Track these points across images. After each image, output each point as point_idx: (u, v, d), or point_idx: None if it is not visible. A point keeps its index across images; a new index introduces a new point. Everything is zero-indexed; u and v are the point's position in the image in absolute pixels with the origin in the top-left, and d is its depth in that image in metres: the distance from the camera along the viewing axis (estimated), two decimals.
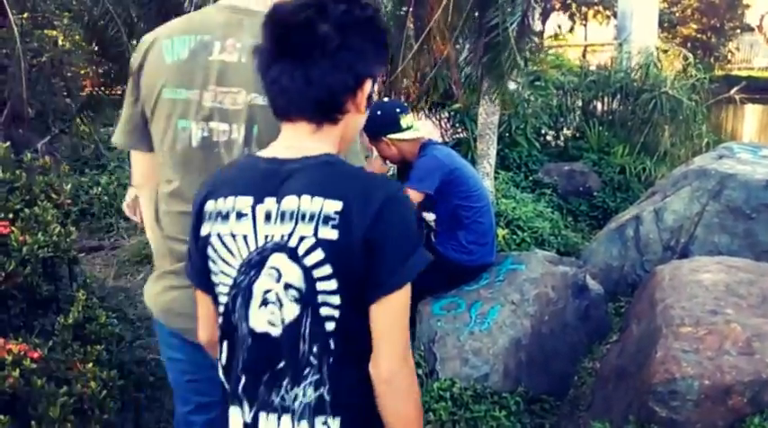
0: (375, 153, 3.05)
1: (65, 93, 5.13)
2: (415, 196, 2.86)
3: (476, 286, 2.99)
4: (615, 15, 11.97)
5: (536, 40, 5.59)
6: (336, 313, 1.13)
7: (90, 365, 2.04)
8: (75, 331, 2.23)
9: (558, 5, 14.27)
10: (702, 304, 2.33)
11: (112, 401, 2.00)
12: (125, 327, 2.53)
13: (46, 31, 4.96)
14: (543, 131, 6.12)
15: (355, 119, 1.23)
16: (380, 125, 2.90)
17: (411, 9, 4.60)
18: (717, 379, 2.06)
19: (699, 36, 20.00)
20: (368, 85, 1.19)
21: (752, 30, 23.40)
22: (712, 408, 2.06)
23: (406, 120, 2.94)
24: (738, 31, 21.49)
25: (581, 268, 3.13)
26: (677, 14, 20.24)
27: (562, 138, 6.33)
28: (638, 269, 3.52)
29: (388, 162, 3.13)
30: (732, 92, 7.50)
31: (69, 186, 2.99)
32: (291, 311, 1.14)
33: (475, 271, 3.03)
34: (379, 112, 2.91)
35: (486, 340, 2.73)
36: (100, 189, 5.68)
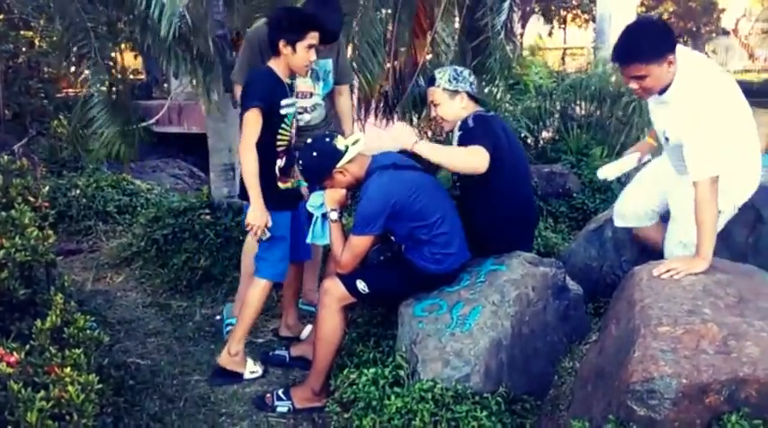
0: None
1: (42, 95, 5.08)
2: (363, 241, 2.87)
3: (457, 287, 2.99)
4: (594, 19, 12.08)
5: (517, 43, 5.62)
6: None
7: (68, 369, 2.01)
8: (52, 335, 2.20)
9: (537, 9, 14.36)
10: (680, 304, 2.35)
11: (91, 406, 1.98)
12: (104, 331, 2.51)
13: (22, 33, 4.91)
14: (523, 134, 6.15)
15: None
16: (324, 162, 2.89)
17: (396, 11, 4.60)
18: (694, 378, 2.08)
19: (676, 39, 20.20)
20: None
21: (727, 33, 23.70)
22: (690, 407, 2.08)
23: (341, 142, 2.93)
24: (714, 34, 21.76)
25: (561, 269, 3.15)
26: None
27: (541, 141, 6.37)
28: (616, 269, 3.55)
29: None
30: None
31: (47, 188, 2.97)
32: None
33: (449, 276, 3.03)
34: (314, 154, 2.91)
35: (468, 341, 2.74)
36: (78, 191, 5.63)
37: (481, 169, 2.91)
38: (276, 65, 3.17)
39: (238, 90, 3.50)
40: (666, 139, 2.77)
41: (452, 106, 3.14)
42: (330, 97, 3.77)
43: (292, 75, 3.27)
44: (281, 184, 3.24)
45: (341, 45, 3.70)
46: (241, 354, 3.29)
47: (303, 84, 3.54)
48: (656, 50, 2.53)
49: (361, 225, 2.85)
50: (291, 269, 3.57)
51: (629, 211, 3.25)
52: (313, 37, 3.10)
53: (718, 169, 2.53)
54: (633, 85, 2.64)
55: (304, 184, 3.36)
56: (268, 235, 3.12)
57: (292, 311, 3.70)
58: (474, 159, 2.91)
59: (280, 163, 3.22)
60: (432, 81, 3.20)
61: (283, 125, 3.18)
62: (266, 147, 3.11)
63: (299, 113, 3.57)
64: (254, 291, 3.24)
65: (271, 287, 3.31)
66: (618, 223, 3.35)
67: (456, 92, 3.11)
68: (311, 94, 3.64)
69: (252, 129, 3.04)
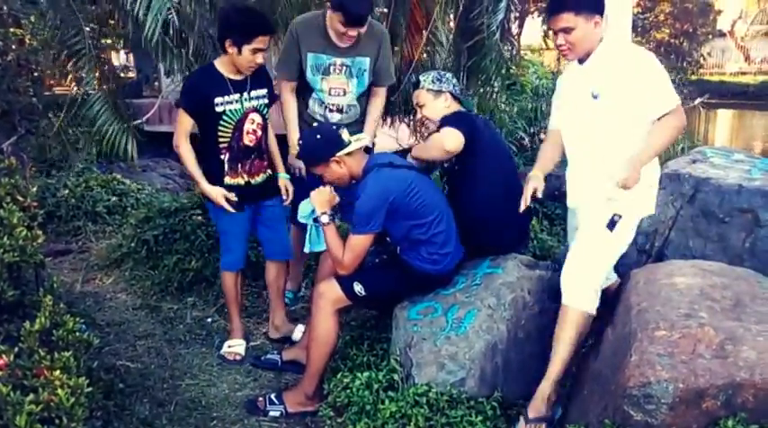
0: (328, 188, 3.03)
1: (31, 93, 5.03)
2: (364, 240, 2.84)
3: (452, 290, 2.98)
4: None
5: (514, 42, 5.61)
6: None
7: (57, 372, 1.98)
8: (41, 337, 2.17)
9: (533, 9, 14.39)
10: (677, 308, 2.34)
11: (81, 409, 1.95)
12: (93, 333, 2.47)
13: (11, 30, 4.86)
14: (519, 135, 6.15)
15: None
16: (326, 147, 2.89)
17: (390, 10, 4.57)
18: (691, 383, 2.07)
19: (672, 41, 20.30)
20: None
21: (723, 35, 23.84)
22: (687, 412, 2.07)
23: (345, 135, 2.93)
24: (710, 36, 21.87)
25: (557, 272, 3.13)
26: (651, 19, 20.51)
27: (537, 142, 6.37)
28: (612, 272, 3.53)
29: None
30: (703, 97, 7.62)
31: (36, 188, 2.93)
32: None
33: (445, 277, 3.01)
34: (318, 136, 2.92)
35: (463, 345, 2.72)
36: (67, 191, 5.59)
37: (454, 147, 2.96)
38: (221, 62, 3.21)
39: (281, 84, 3.59)
40: (595, 97, 2.70)
41: (436, 106, 3.19)
42: (366, 97, 3.66)
43: (326, 72, 3.40)
44: (228, 180, 3.29)
45: (382, 43, 3.55)
46: (236, 333, 3.58)
47: (336, 80, 3.48)
48: (588, 3, 2.64)
49: (360, 223, 2.82)
50: (271, 268, 3.58)
51: None
52: (261, 41, 3.08)
53: (678, 98, 2.63)
54: (560, 41, 2.69)
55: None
56: (235, 200, 3.27)
57: (279, 311, 3.67)
58: (446, 139, 2.96)
59: (223, 158, 3.27)
60: (417, 84, 3.26)
61: (222, 122, 3.21)
62: (207, 145, 3.24)
63: (330, 112, 3.53)
64: (222, 283, 3.54)
65: (234, 275, 3.48)
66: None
67: (440, 92, 3.18)
68: (344, 92, 3.53)
69: (179, 128, 3.22)
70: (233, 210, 3.26)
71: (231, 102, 3.20)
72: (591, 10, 2.63)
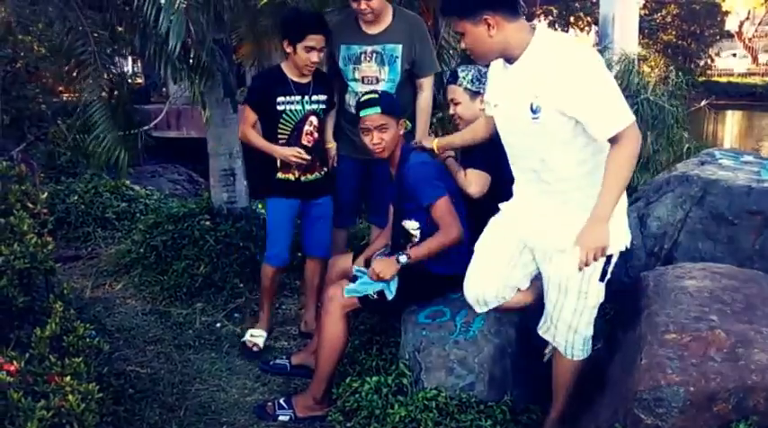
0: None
1: (40, 100, 5.07)
2: (445, 202, 2.79)
3: (461, 294, 2.97)
4: (596, 22, 12.09)
5: None
6: None
7: (68, 378, 1.99)
8: (52, 343, 2.18)
9: (539, 12, 14.40)
10: (687, 311, 2.33)
11: (91, 415, 1.96)
12: (104, 339, 2.48)
13: (21, 37, 4.90)
14: None
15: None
16: (399, 105, 3.03)
17: None
18: (702, 386, 2.06)
19: (679, 42, 20.25)
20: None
21: (731, 36, 23.77)
22: (697, 415, 2.06)
23: None
24: (718, 37, 21.80)
25: None
26: (658, 21, 20.46)
27: None
28: (622, 276, 3.50)
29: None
30: (710, 100, 7.59)
31: (45, 195, 2.95)
32: None
33: (457, 279, 2.98)
34: (395, 95, 3.16)
35: (472, 349, 2.72)
36: (76, 197, 5.62)
37: (479, 193, 2.92)
38: (286, 65, 3.42)
39: None
40: (535, 112, 2.23)
41: (472, 107, 3.05)
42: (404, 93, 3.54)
43: (357, 61, 3.45)
44: (280, 174, 3.46)
45: (416, 30, 3.51)
46: (262, 323, 3.71)
47: (368, 68, 3.48)
48: (466, 6, 2.20)
49: (433, 189, 2.79)
50: (309, 265, 3.72)
51: (491, 296, 2.67)
52: (312, 39, 3.25)
53: (632, 116, 2.16)
54: (462, 44, 2.35)
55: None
56: (307, 157, 3.40)
57: (311, 309, 3.76)
58: (472, 185, 2.93)
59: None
60: (454, 78, 3.11)
61: (282, 120, 3.38)
62: (267, 140, 3.41)
63: None
64: (261, 275, 3.66)
65: (273, 269, 3.59)
66: (481, 310, 2.75)
67: (477, 93, 3.01)
68: (377, 80, 3.47)
69: (245, 121, 3.48)
70: (308, 158, 3.40)
71: (292, 103, 3.38)
72: (472, 10, 2.18)
